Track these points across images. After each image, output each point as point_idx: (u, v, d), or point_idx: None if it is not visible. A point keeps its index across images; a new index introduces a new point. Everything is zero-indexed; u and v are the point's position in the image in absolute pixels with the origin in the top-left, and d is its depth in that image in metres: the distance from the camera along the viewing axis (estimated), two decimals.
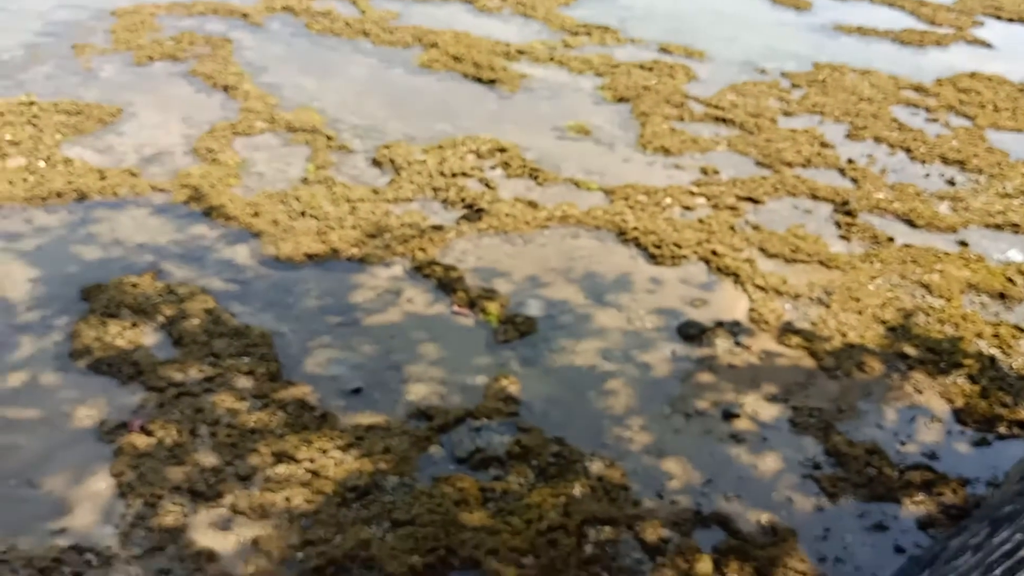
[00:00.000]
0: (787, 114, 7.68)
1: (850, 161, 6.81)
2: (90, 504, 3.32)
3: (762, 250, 5.48)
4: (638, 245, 5.48)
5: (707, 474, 3.69)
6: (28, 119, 6.17)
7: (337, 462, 3.60)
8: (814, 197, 6.23)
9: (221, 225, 5.28)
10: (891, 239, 5.74)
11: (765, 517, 3.48)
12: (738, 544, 3.28)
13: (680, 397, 4.18)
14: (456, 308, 4.76)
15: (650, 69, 8.22)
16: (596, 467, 3.66)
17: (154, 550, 3.16)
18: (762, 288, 5.08)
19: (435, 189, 5.96)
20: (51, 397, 3.84)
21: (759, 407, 4.14)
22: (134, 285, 4.56)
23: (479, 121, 7.01)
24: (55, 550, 3.12)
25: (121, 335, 4.21)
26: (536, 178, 6.25)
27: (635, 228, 5.60)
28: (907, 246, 5.67)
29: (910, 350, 4.64)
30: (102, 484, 3.42)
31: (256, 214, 5.39)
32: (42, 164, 5.65)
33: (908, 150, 7.09)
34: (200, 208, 5.41)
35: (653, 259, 5.34)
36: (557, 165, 6.49)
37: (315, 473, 3.53)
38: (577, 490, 3.51)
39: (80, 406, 3.79)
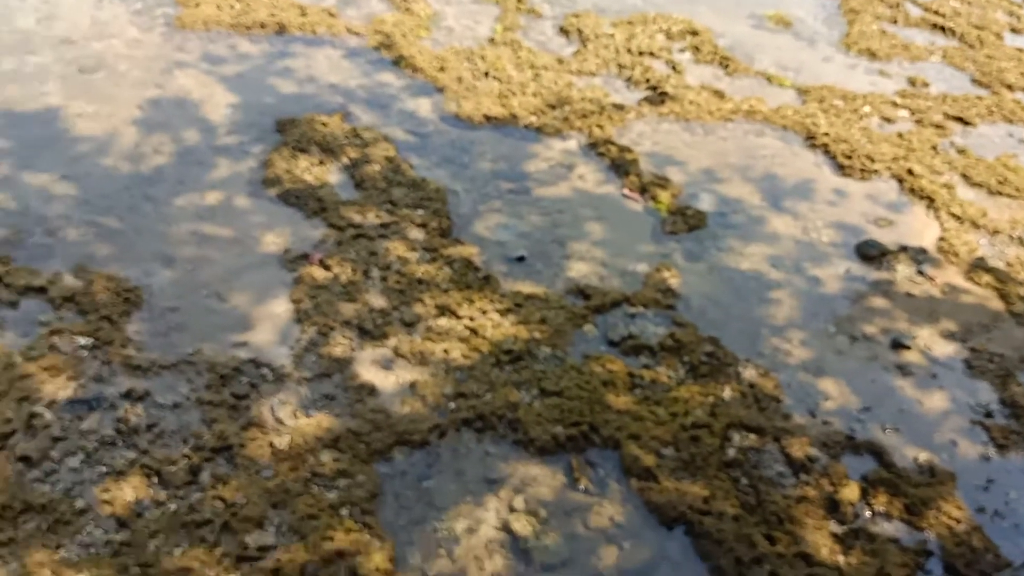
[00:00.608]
0: (1015, 31, 6.89)
1: None
2: (269, 324, 3.59)
3: (964, 176, 5.06)
4: (826, 152, 5.17)
5: (866, 401, 3.58)
6: None
7: (495, 324, 3.70)
8: None
9: (408, 76, 5.35)
10: None
11: (923, 456, 3.36)
12: (890, 477, 3.20)
13: (848, 318, 4.02)
14: (627, 191, 4.69)
15: None
16: (749, 373, 3.61)
17: (322, 376, 3.40)
18: (957, 217, 4.71)
19: (620, 66, 5.78)
20: (243, 219, 4.10)
21: (933, 342, 3.93)
22: (324, 124, 4.73)
23: None
24: (235, 360, 3.40)
25: (309, 170, 4.41)
26: (726, 67, 5.94)
27: (826, 134, 5.27)
28: None
29: None
30: (281, 308, 3.67)
31: (442, 69, 5.41)
32: None
33: None
34: (390, 56, 5.48)
35: (840, 169, 5.04)
36: (750, 56, 6.14)
37: (473, 331, 3.66)
38: (727, 393, 3.49)
39: (268, 232, 4.04)
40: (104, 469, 2.92)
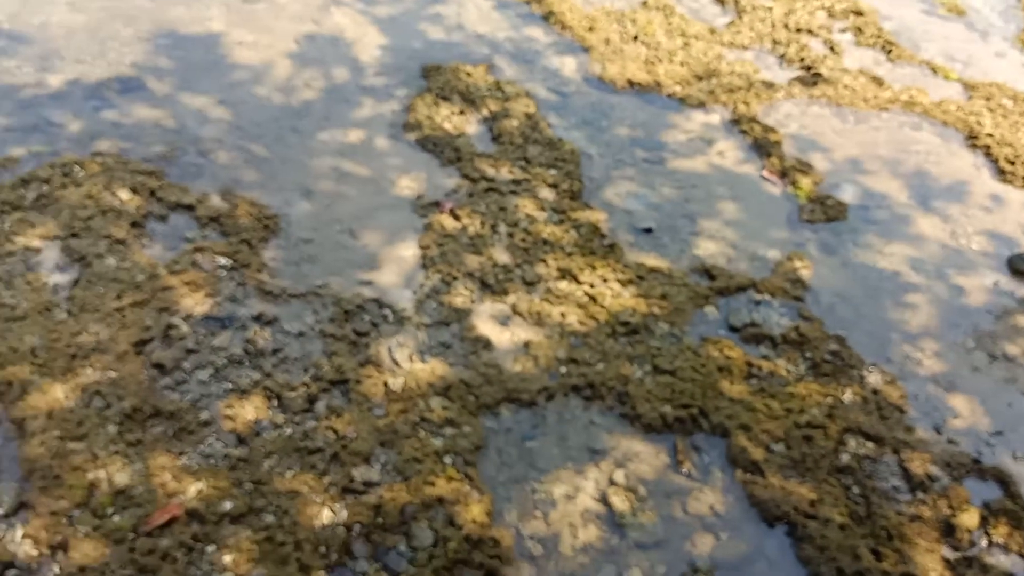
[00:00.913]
0: None
1: None
2: (396, 267, 3.67)
3: None
4: (987, 154, 4.83)
5: (998, 424, 3.37)
6: None
7: (615, 294, 3.67)
8: None
9: (556, 32, 5.29)
10: None
11: None
12: (1014, 509, 3.01)
13: (989, 334, 3.78)
14: (766, 173, 4.52)
15: None
16: (874, 379, 3.46)
17: (440, 324, 3.46)
18: None
19: (775, 42, 5.54)
20: (381, 161, 4.19)
21: None
22: (468, 74, 4.75)
23: None
24: (360, 298, 3.50)
25: (449, 119, 4.45)
26: (889, 52, 5.60)
27: (989, 135, 4.91)
28: None
29: None
30: (409, 252, 3.75)
31: (591, 28, 5.32)
32: None
33: None
34: (540, 11, 5.43)
35: (1001, 174, 4.70)
36: (916, 43, 5.77)
37: (592, 298, 3.63)
38: (848, 396, 3.35)
39: (403, 176, 4.11)
40: (230, 386, 3.08)
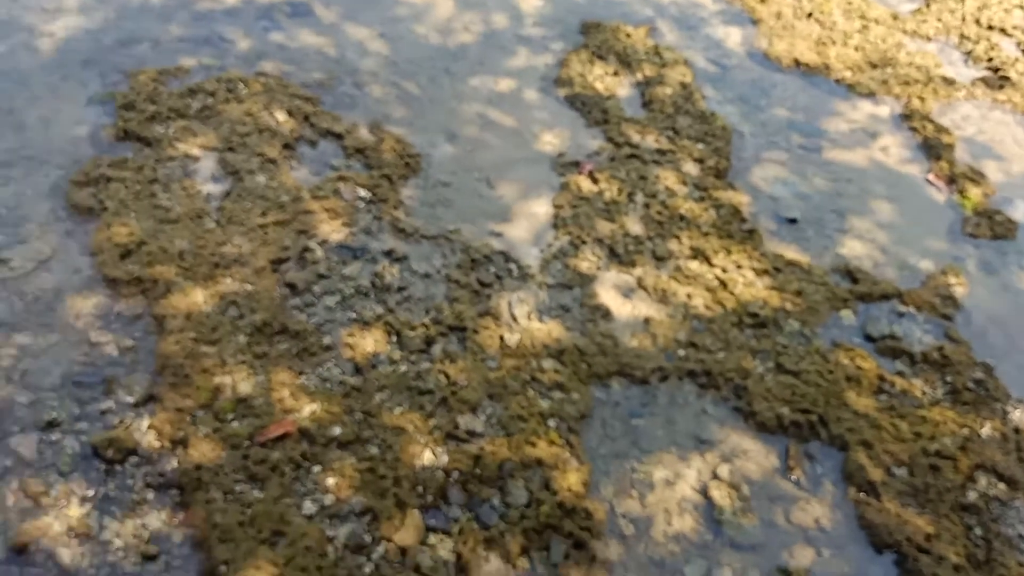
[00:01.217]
0: None
1: None
2: (527, 222, 3.65)
3: None
4: None
5: None
6: None
7: (747, 282, 3.54)
8: None
9: (725, 1, 5.07)
10: None
11: None
12: None
13: None
14: (932, 177, 4.22)
15: None
16: (1018, 416, 3.21)
17: (563, 286, 3.43)
18: None
19: (962, 36, 5.13)
20: (527, 113, 4.15)
21: None
22: (628, 35, 4.63)
23: None
24: (488, 248, 3.50)
25: (602, 79, 4.35)
26: None
27: None
28: None
29: None
30: (542, 209, 3.72)
31: (763, 0, 5.07)
32: None
33: None
34: None
35: None
36: None
37: (723, 283, 3.51)
38: (986, 430, 3.13)
39: (547, 131, 4.07)
40: (353, 315, 3.16)
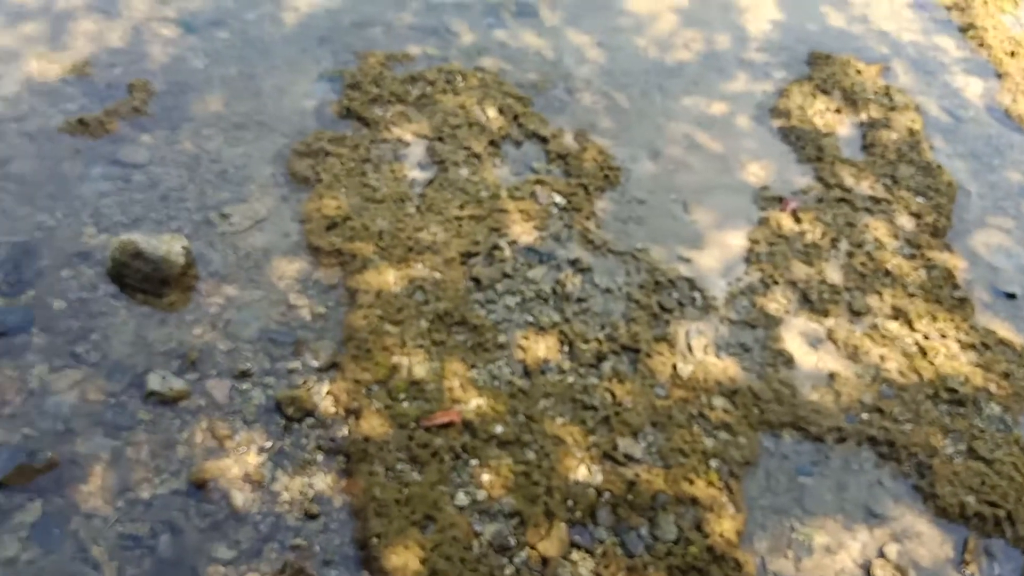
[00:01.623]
0: None
1: None
2: (718, 252, 3.54)
3: None
4: None
5: None
6: None
7: (949, 354, 3.27)
8: None
9: (970, 48, 4.71)
10: None
11: None
12: None
13: None
14: None
15: None
16: None
17: (746, 324, 3.30)
18: None
19: None
20: (735, 140, 4.03)
21: None
22: (858, 71, 4.39)
23: None
24: (675, 272, 3.43)
25: (822, 114, 4.16)
26: None
27: None
28: None
29: None
30: (736, 241, 3.60)
31: (1012, 54, 4.67)
32: None
33: None
34: (959, 21, 4.85)
35: None
36: None
37: (922, 350, 3.27)
38: None
39: (753, 162, 3.93)
40: (530, 319, 3.19)
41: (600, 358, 3.11)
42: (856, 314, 3.38)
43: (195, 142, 3.56)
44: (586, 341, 3.14)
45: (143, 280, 2.99)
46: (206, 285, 3.08)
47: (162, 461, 2.60)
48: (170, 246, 3.01)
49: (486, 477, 2.71)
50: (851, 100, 4.23)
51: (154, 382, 2.75)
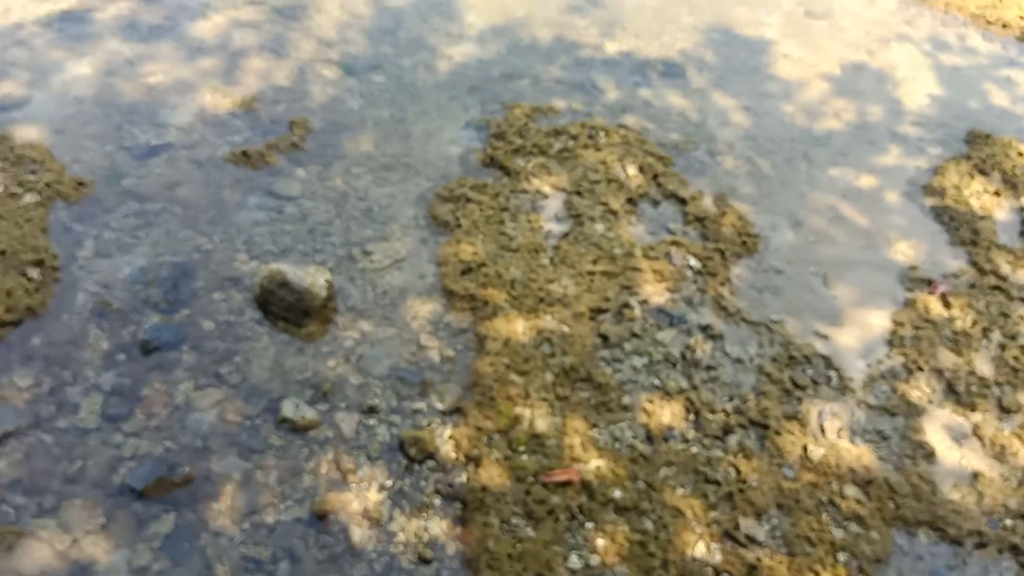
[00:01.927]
0: None
1: None
2: (859, 331, 3.40)
3: None
4: None
5: None
6: None
7: None
8: None
9: None
10: None
11: None
12: None
13: None
14: None
15: None
16: None
17: (885, 411, 3.14)
18: None
19: None
20: (884, 216, 3.88)
21: None
22: (1020, 154, 4.17)
23: None
24: (810, 349, 3.31)
25: (979, 196, 3.96)
26: None
27: None
28: None
29: None
30: (879, 321, 3.45)
31: None
32: None
33: None
34: None
35: None
36: None
37: None
38: None
39: (902, 240, 3.77)
40: (657, 382, 3.14)
41: (727, 431, 3.02)
42: (1006, 411, 3.17)
43: (345, 179, 3.71)
44: (713, 411, 3.06)
45: (286, 309, 3.12)
46: (343, 319, 3.19)
47: (288, 488, 2.68)
48: (314, 278, 3.13)
49: (601, 542, 2.66)
50: (1011, 183, 4.01)
51: (288, 409, 2.85)
